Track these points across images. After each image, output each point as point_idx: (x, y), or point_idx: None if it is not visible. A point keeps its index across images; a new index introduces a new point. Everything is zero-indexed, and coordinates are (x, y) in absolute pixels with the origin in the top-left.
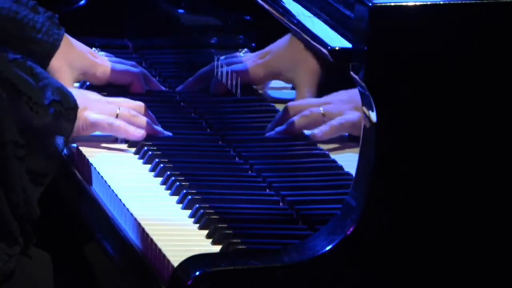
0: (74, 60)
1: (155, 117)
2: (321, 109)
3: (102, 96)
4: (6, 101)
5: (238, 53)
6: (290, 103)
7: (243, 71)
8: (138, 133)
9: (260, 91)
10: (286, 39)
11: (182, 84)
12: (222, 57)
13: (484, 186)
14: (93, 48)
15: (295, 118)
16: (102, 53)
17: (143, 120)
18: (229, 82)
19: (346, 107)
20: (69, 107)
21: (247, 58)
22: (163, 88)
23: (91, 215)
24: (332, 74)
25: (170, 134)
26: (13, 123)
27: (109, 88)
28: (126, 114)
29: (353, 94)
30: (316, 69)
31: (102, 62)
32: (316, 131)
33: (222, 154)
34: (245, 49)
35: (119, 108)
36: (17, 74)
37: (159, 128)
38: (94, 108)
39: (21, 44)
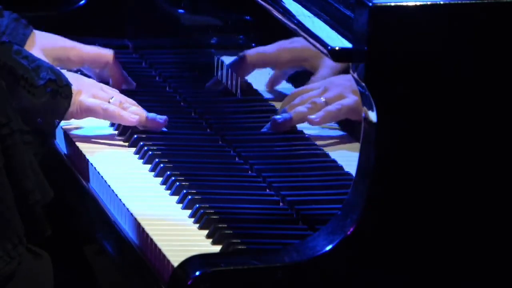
0: (45, 51)
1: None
2: (323, 98)
3: (96, 81)
4: (7, 89)
5: None
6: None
7: (269, 53)
8: (133, 118)
9: (267, 90)
10: None
11: (183, 84)
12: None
13: (484, 185)
14: None
15: (300, 109)
16: None
17: (136, 109)
18: (236, 82)
19: (346, 90)
20: (64, 84)
21: (274, 44)
22: (133, 83)
23: (91, 215)
24: None
25: (165, 117)
26: (16, 111)
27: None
28: (117, 105)
29: (350, 77)
30: (341, 67)
31: (73, 45)
32: (312, 116)
33: (222, 154)
34: None
35: (111, 98)
36: (12, 58)
37: (151, 114)
38: (87, 92)
39: None
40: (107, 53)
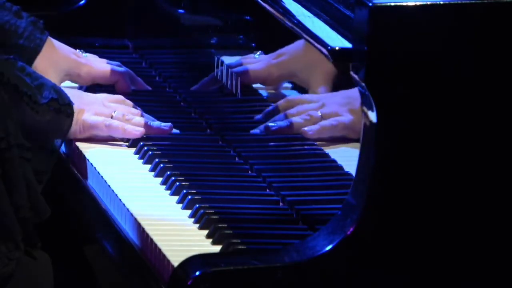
0: (58, 61)
1: (152, 118)
2: (319, 112)
3: (98, 96)
4: (8, 104)
5: (252, 55)
6: (288, 100)
7: (257, 71)
8: (137, 131)
9: (272, 91)
10: (302, 41)
11: (183, 84)
12: (237, 59)
13: (484, 185)
14: (77, 50)
15: (295, 119)
16: (87, 54)
17: (139, 120)
18: (236, 82)
19: (343, 109)
20: (65, 103)
21: (261, 59)
22: (149, 88)
23: (91, 215)
24: (346, 76)
25: (170, 124)
26: (17, 126)
27: (100, 88)
28: (121, 118)
29: (349, 95)
30: (331, 71)
31: (86, 62)
32: (306, 128)
33: (222, 154)
34: (260, 51)
35: (114, 112)
36: (16, 75)
37: (156, 123)
38: (90, 110)
39: (2, 49)
40: (117, 73)
